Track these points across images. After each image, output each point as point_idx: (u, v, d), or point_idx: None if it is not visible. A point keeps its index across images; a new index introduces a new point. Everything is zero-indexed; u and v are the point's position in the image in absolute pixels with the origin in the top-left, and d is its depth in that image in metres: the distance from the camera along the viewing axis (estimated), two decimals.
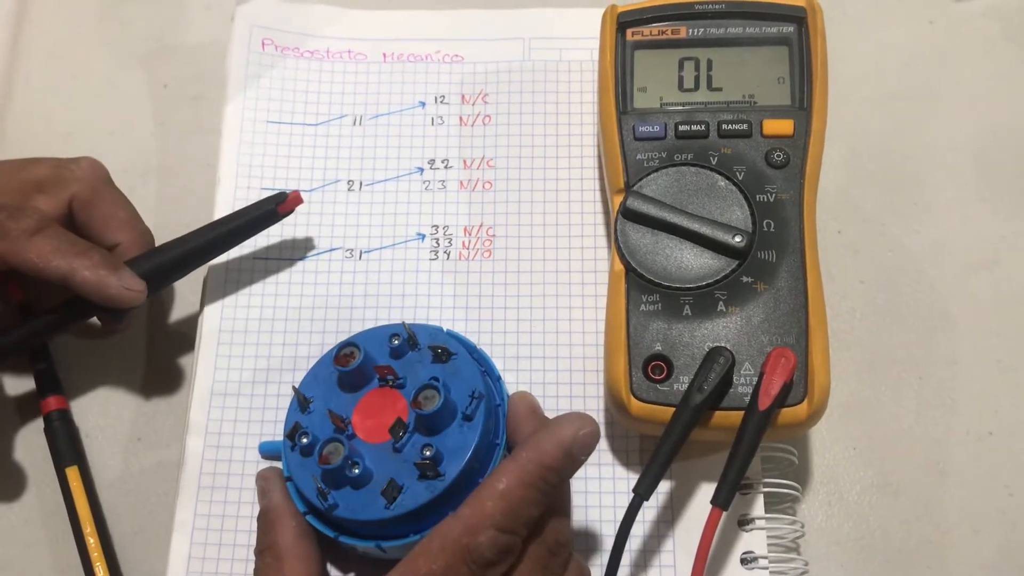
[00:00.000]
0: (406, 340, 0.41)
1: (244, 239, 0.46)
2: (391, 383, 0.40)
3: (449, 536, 0.34)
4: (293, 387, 0.41)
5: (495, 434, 0.40)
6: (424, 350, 0.41)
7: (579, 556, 0.39)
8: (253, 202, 0.46)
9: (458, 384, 0.39)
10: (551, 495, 0.36)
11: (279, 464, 0.42)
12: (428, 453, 0.38)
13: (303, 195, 0.48)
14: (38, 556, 0.45)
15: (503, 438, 0.40)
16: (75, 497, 0.44)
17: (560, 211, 0.48)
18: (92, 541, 0.44)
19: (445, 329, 0.42)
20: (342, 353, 0.41)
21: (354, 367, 0.40)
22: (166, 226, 0.50)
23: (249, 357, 0.46)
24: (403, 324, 0.41)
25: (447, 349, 0.40)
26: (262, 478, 0.41)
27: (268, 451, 0.44)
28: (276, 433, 0.44)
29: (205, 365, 0.46)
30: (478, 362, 0.41)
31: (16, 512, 0.46)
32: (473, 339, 0.44)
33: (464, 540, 0.34)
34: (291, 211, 0.46)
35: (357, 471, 0.38)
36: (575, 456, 0.36)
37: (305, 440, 0.39)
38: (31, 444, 0.47)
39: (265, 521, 0.40)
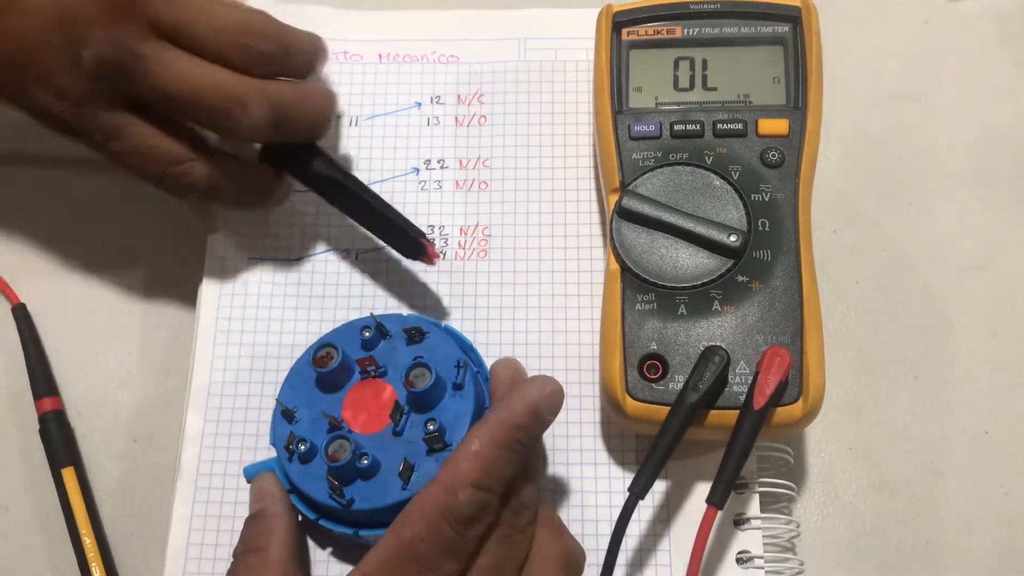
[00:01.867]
0: (376, 331, 0.42)
1: (372, 226, 0.45)
2: (373, 374, 0.41)
3: (429, 499, 0.35)
4: (277, 400, 0.41)
5: (483, 399, 0.41)
6: (396, 336, 0.42)
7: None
8: (409, 226, 0.45)
9: (439, 359, 0.40)
10: (523, 454, 0.37)
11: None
12: (432, 427, 0.39)
13: (299, 195, 0.48)
14: (35, 558, 0.45)
15: (489, 402, 0.41)
16: (71, 498, 0.44)
17: (556, 211, 0.48)
18: (88, 542, 0.44)
19: (406, 313, 0.43)
20: (319, 355, 0.41)
21: (334, 367, 0.40)
22: (164, 227, 0.50)
23: (245, 358, 0.46)
24: (372, 315, 0.42)
25: (420, 328, 0.41)
26: (264, 481, 0.41)
27: (254, 473, 0.42)
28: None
29: (201, 366, 0.46)
30: (451, 336, 0.42)
31: (12, 514, 0.46)
32: (469, 339, 0.44)
33: (444, 500, 0.35)
34: (424, 256, 0.44)
35: (366, 462, 0.38)
36: (542, 415, 0.37)
37: (303, 447, 0.39)
38: (26, 446, 0.46)
39: (260, 525, 0.39)
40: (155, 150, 0.41)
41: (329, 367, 0.40)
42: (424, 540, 0.35)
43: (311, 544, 0.42)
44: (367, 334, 0.42)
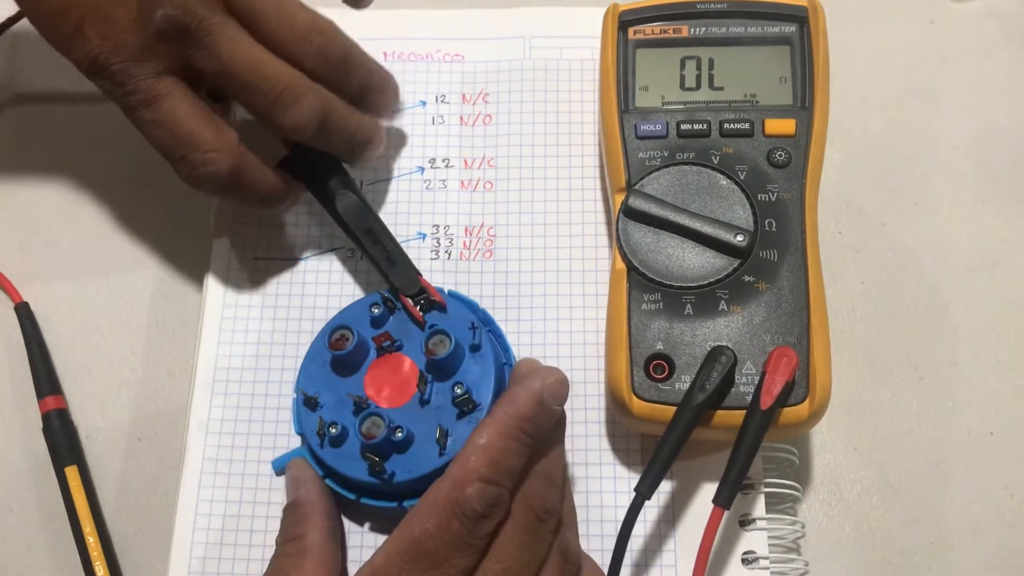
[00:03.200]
0: (384, 306, 0.42)
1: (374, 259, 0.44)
2: (390, 348, 0.41)
3: (439, 494, 0.35)
4: (300, 390, 0.41)
5: (500, 355, 0.42)
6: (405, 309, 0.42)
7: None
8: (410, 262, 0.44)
9: (453, 323, 0.41)
10: (531, 446, 0.37)
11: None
12: (460, 391, 0.39)
13: (305, 194, 0.48)
14: (38, 556, 0.45)
15: (512, 358, 0.43)
16: (74, 497, 0.44)
17: (561, 210, 0.48)
18: (92, 540, 0.44)
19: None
20: (334, 338, 0.41)
21: (351, 348, 0.41)
22: (168, 227, 0.50)
23: (250, 357, 0.46)
24: (379, 293, 0.43)
25: (428, 297, 0.42)
26: (296, 468, 0.41)
27: (283, 464, 0.43)
28: (277, 433, 0.44)
29: (206, 365, 0.46)
30: (459, 300, 0.43)
31: (16, 513, 0.46)
32: (475, 300, 0.45)
33: (453, 495, 0.35)
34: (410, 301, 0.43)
35: (401, 435, 0.39)
36: (546, 404, 0.37)
37: (335, 431, 0.40)
38: (30, 445, 0.46)
39: (297, 513, 0.40)
40: (181, 128, 0.41)
41: (346, 349, 0.41)
42: (433, 535, 0.35)
43: (351, 523, 0.42)
44: (376, 311, 0.42)
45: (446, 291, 0.43)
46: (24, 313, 0.48)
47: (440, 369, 0.40)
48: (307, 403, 0.41)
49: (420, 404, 0.40)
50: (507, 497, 0.36)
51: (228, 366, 0.45)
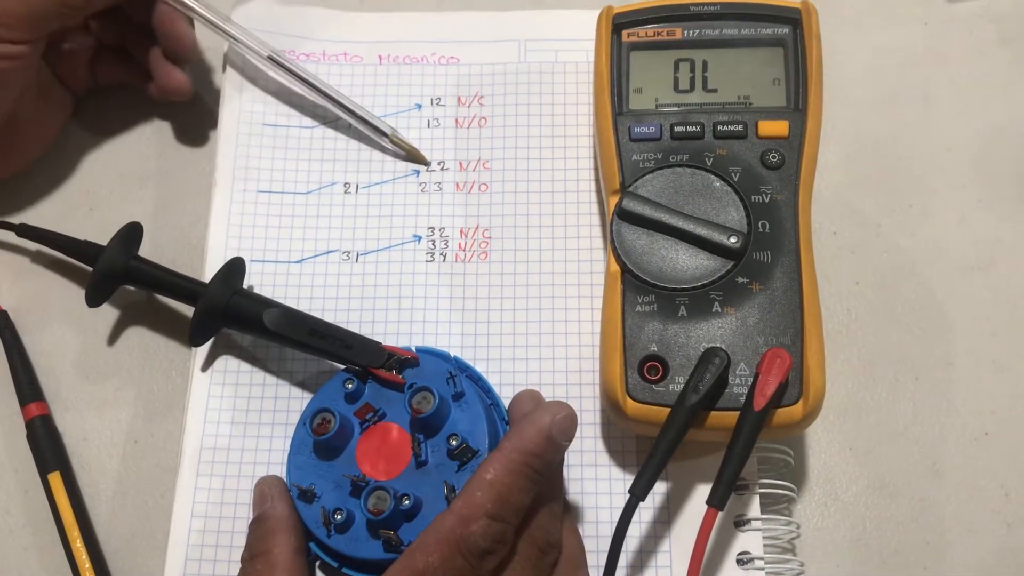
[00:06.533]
0: (357, 379, 0.41)
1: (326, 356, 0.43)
2: (374, 420, 0.40)
3: (443, 528, 0.35)
4: (293, 485, 0.40)
5: (485, 398, 0.41)
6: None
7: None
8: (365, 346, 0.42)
9: (430, 378, 0.40)
10: (538, 482, 0.37)
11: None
12: (455, 442, 0.39)
13: (300, 197, 0.48)
14: (30, 560, 0.45)
15: (496, 397, 0.42)
16: (58, 502, 0.44)
17: (556, 212, 0.48)
18: (78, 544, 0.44)
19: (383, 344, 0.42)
20: (317, 423, 0.40)
21: (336, 429, 0.40)
22: (163, 229, 0.50)
23: (247, 359, 0.46)
24: (345, 368, 0.42)
25: (397, 359, 0.41)
26: (265, 484, 0.41)
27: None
28: (273, 435, 0.44)
29: (202, 368, 0.46)
30: (429, 354, 0.42)
31: (5, 520, 0.46)
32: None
33: (458, 531, 0.35)
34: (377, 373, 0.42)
35: (409, 502, 0.38)
36: (555, 440, 0.37)
37: (340, 517, 0.39)
38: (18, 452, 0.46)
39: (262, 528, 0.39)
40: None
41: (330, 432, 0.40)
42: (437, 570, 0.34)
43: None
44: (350, 386, 0.41)
45: (413, 348, 0.43)
46: (3, 322, 0.48)
47: (429, 426, 0.39)
48: (303, 497, 0.40)
49: (417, 467, 0.39)
50: (512, 534, 0.36)
51: (225, 368, 0.46)
